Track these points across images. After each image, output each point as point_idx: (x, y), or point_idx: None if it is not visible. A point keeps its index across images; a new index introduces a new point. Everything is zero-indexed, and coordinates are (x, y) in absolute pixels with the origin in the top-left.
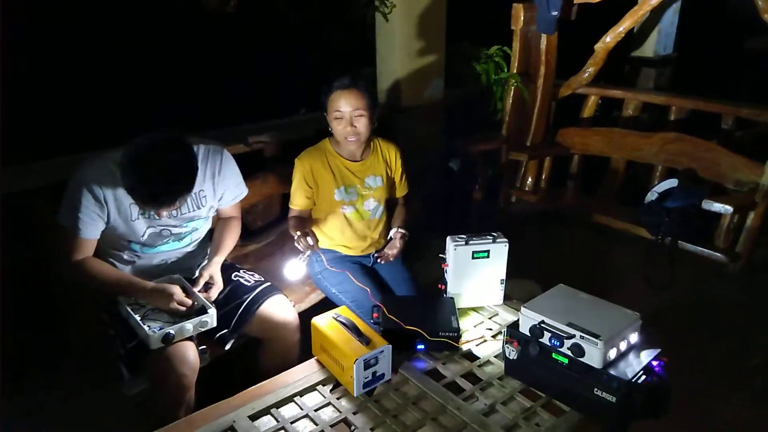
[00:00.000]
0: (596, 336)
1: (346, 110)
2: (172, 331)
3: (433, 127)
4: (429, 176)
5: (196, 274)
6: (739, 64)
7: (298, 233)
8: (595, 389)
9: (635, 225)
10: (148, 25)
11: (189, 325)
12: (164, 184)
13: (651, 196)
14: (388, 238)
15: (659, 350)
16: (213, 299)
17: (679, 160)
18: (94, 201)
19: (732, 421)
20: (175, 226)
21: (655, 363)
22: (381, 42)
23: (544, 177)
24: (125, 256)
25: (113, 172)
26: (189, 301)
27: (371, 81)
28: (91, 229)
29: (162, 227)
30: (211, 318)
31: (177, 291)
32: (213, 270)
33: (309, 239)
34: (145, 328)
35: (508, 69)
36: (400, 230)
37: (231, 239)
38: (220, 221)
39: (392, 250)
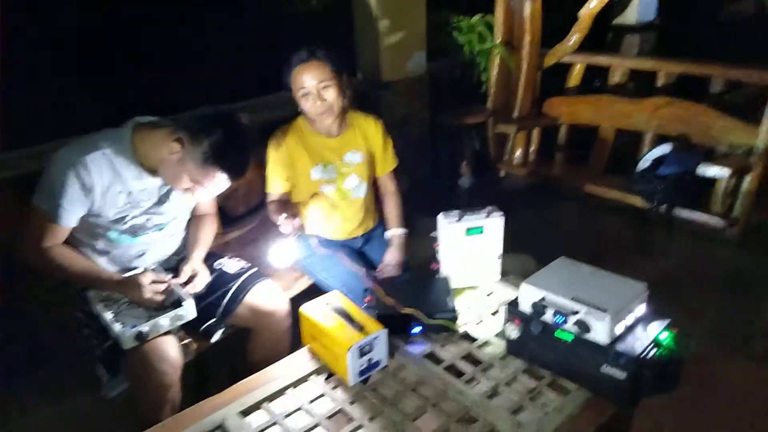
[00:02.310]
0: (603, 310)
1: (311, 84)
2: (145, 328)
3: (417, 102)
4: (414, 153)
5: (171, 265)
6: (720, 28)
7: (283, 215)
8: (603, 366)
9: (628, 194)
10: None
11: (164, 320)
12: (247, 151)
13: (644, 163)
14: (385, 237)
15: (669, 320)
16: (198, 290)
17: (671, 125)
18: (80, 188)
19: (735, 385)
20: (160, 214)
21: (665, 335)
22: (358, 13)
23: (532, 149)
24: (99, 246)
25: (102, 156)
26: (161, 287)
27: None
28: (71, 217)
29: (147, 216)
30: (187, 311)
31: (146, 280)
32: (195, 264)
33: (295, 220)
34: (117, 326)
35: (492, 39)
36: (397, 232)
37: (208, 235)
38: (193, 219)
39: (392, 258)
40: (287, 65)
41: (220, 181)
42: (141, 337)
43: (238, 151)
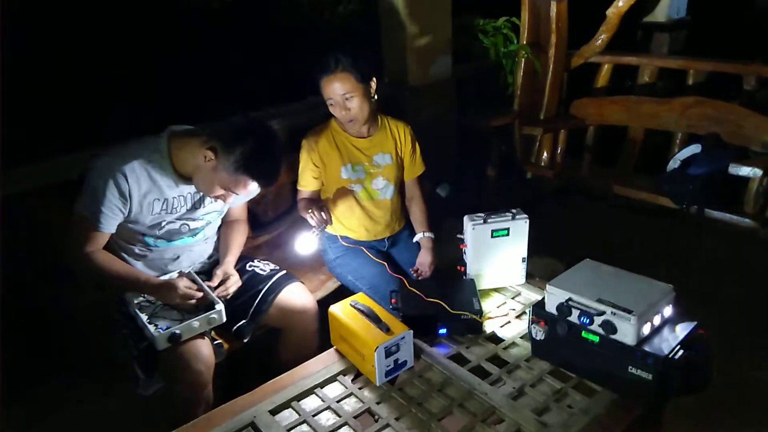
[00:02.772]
0: (629, 311)
1: (335, 96)
2: (178, 330)
3: (442, 105)
4: (440, 156)
5: (205, 268)
6: (753, 22)
7: (311, 209)
8: (630, 367)
9: (657, 195)
10: (137, 22)
11: (196, 323)
12: (279, 159)
13: (673, 163)
14: (414, 241)
15: (696, 323)
16: (230, 294)
17: (700, 125)
18: (119, 195)
19: (765, 389)
20: (194, 220)
21: (693, 336)
22: (384, 19)
23: (559, 151)
24: (137, 250)
25: (140, 165)
26: (196, 294)
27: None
28: (111, 223)
29: (181, 222)
30: (219, 314)
31: (182, 284)
32: (227, 268)
33: (322, 213)
34: (151, 328)
35: (517, 41)
36: (426, 235)
37: (239, 240)
38: (225, 225)
39: (426, 260)
40: (316, 73)
41: (251, 189)
42: (174, 339)
43: (270, 159)
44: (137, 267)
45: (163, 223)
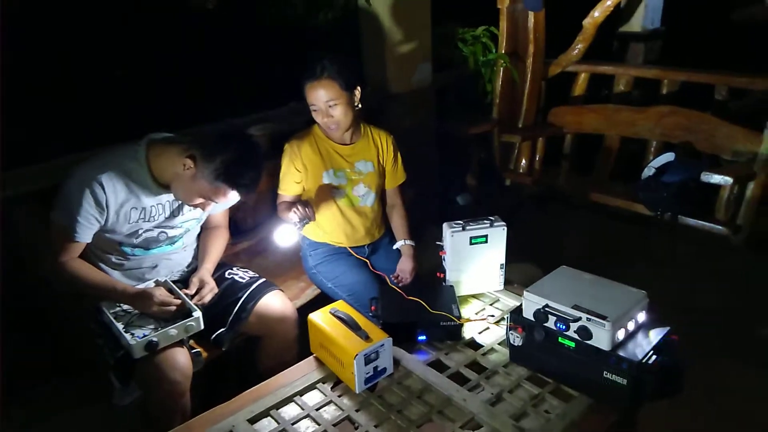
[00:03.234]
0: (603, 317)
1: (319, 102)
2: (155, 338)
3: (423, 113)
4: (420, 163)
5: (183, 276)
6: (726, 35)
7: (295, 205)
8: (605, 372)
9: (633, 202)
10: (130, 24)
11: (173, 330)
12: (259, 168)
13: (648, 171)
14: (394, 248)
15: (669, 328)
16: (207, 302)
17: (674, 133)
18: (95, 204)
19: (741, 392)
20: (172, 228)
21: (666, 341)
22: (365, 28)
23: (537, 158)
24: (114, 259)
25: (117, 173)
26: (173, 301)
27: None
28: (87, 233)
29: (159, 230)
30: (196, 321)
31: (158, 293)
32: (203, 275)
33: (306, 209)
34: (127, 336)
35: (496, 50)
36: (407, 243)
37: (218, 248)
38: (205, 232)
39: (406, 268)
40: (302, 78)
41: (230, 197)
42: (151, 347)
43: (250, 168)
44: (115, 276)
45: (141, 231)
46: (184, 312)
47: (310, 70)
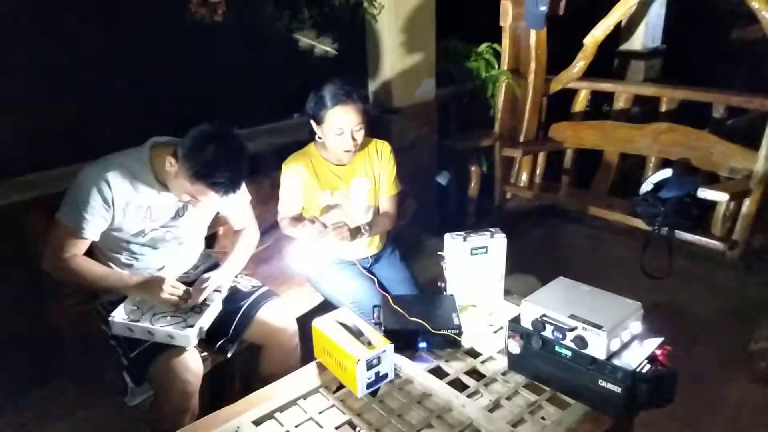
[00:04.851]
0: (599, 327)
1: (348, 126)
2: (203, 325)
3: (426, 127)
4: (423, 176)
5: (190, 278)
6: (726, 54)
7: (307, 221)
8: (600, 380)
9: (631, 216)
10: (136, 34)
11: (204, 317)
12: (239, 168)
13: (646, 187)
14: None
15: (662, 338)
16: (196, 302)
17: (672, 150)
18: (102, 202)
19: (734, 404)
20: (177, 227)
21: (659, 351)
22: (371, 43)
23: (538, 172)
24: (123, 259)
25: (122, 173)
26: (180, 286)
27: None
28: (94, 230)
29: (165, 229)
30: (215, 307)
31: (168, 281)
32: (213, 275)
33: (320, 224)
34: (173, 329)
35: (498, 66)
36: (363, 230)
37: (239, 250)
38: (234, 235)
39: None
40: (322, 101)
41: (212, 197)
42: (201, 333)
43: (227, 168)
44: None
45: (147, 231)
46: (195, 307)
47: (334, 90)
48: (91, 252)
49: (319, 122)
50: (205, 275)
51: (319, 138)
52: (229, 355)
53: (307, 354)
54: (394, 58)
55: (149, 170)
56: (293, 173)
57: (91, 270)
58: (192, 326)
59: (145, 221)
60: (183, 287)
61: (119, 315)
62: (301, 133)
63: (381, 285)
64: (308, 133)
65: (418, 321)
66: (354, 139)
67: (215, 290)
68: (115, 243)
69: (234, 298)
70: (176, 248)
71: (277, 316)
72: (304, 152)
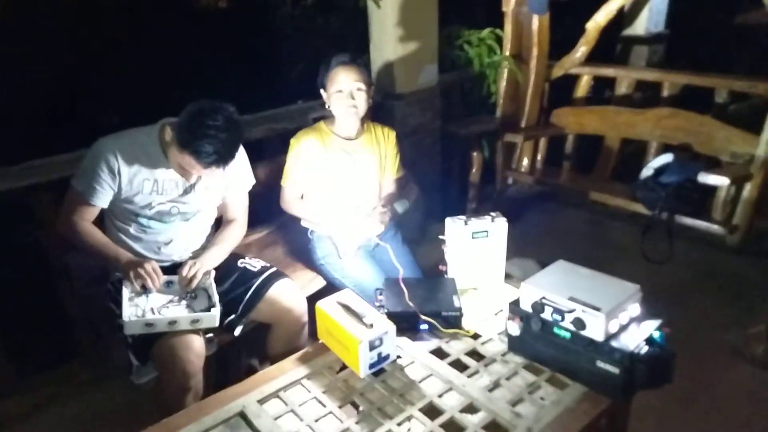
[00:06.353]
0: (597, 309)
1: (347, 84)
2: (219, 305)
3: (428, 113)
4: (425, 161)
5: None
6: (729, 39)
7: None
8: (598, 361)
9: (632, 201)
10: (143, 23)
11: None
12: (226, 141)
13: (647, 172)
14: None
15: (660, 321)
16: (193, 286)
17: (674, 135)
18: (108, 171)
19: (733, 387)
20: (184, 203)
21: (656, 333)
22: (374, 29)
23: (539, 158)
24: (132, 231)
25: (132, 145)
26: (153, 277)
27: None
28: (100, 197)
29: (172, 204)
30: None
31: (148, 265)
32: (197, 260)
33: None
34: (188, 310)
35: (500, 52)
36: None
37: (227, 238)
38: (223, 224)
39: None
40: (327, 64)
41: (199, 168)
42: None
43: (214, 140)
44: (135, 248)
45: (154, 204)
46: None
47: (337, 57)
48: (105, 222)
49: (325, 87)
50: (191, 261)
51: (328, 108)
52: (236, 333)
53: (311, 335)
54: (396, 43)
55: (158, 145)
56: (304, 147)
57: (94, 236)
58: (214, 306)
59: (153, 194)
60: (156, 279)
61: (130, 314)
62: (304, 120)
63: (383, 267)
64: (311, 120)
65: (419, 303)
66: (353, 99)
67: (204, 273)
68: (124, 214)
69: (244, 276)
70: (182, 224)
71: (288, 295)
72: (314, 127)
